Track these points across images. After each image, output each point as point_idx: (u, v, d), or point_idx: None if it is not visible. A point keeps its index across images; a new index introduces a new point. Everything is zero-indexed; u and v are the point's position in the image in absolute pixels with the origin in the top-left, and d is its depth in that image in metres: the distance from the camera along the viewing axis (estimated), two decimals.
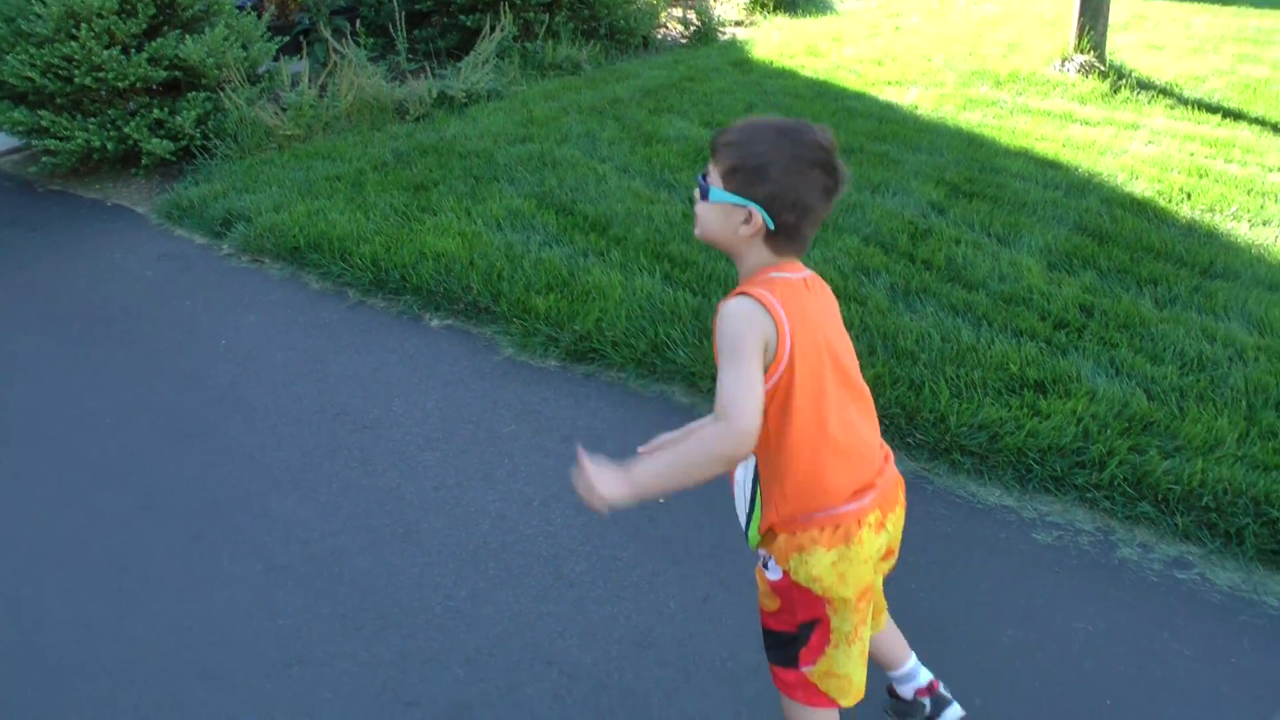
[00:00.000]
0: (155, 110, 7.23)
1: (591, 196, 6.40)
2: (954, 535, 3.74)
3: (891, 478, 2.45)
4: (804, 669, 2.44)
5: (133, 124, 7.09)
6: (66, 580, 3.61)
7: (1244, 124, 8.30)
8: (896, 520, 2.44)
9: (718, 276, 5.27)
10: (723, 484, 3.89)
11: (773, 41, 11.51)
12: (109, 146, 7.10)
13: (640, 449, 2.44)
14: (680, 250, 5.61)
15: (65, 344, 5.19)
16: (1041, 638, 3.28)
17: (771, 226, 2.19)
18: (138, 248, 6.33)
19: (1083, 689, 3.10)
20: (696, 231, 2.33)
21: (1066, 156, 7.35)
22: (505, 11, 9.68)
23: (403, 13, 9.58)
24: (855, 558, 2.30)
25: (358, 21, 9.75)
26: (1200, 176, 6.94)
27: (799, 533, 2.30)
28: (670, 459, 2.16)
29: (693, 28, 12.09)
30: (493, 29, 9.45)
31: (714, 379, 4.43)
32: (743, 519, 2.45)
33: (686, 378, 4.63)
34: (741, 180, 2.19)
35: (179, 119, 7.23)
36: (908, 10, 13.81)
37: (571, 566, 3.60)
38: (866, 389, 2.41)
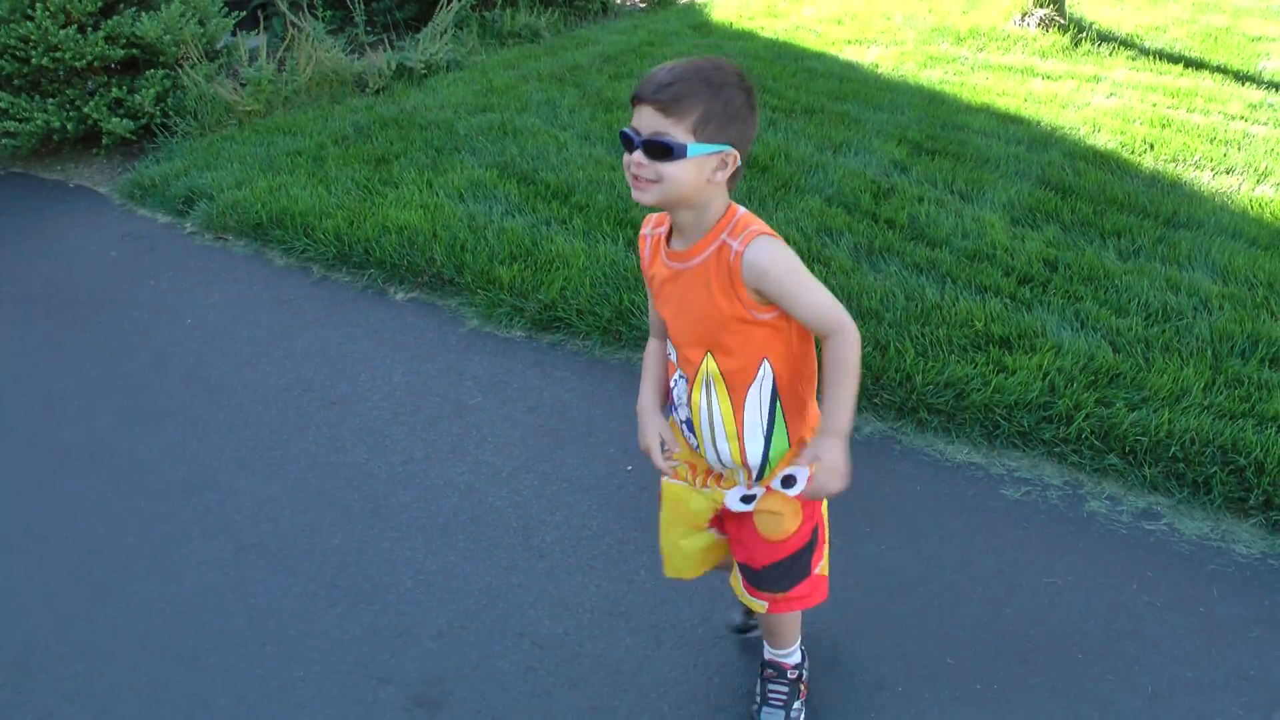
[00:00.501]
0: (114, 89, 7.14)
1: (553, 165, 6.37)
2: (923, 493, 3.76)
3: None
4: (816, 570, 2.63)
5: (92, 103, 7.01)
6: (37, 563, 3.59)
7: (1205, 73, 8.31)
8: None
9: None
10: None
11: (731, 4, 11.43)
12: (69, 127, 7.02)
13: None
14: (642, 216, 5.57)
15: (30, 325, 5.15)
16: (1011, 594, 3.30)
17: (740, 163, 2.23)
18: (101, 228, 6.27)
19: (1052, 643, 3.13)
20: (650, 198, 2.20)
21: (1028, 111, 7.36)
22: None
23: None
24: None
25: None
26: (1163, 127, 6.96)
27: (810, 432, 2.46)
28: (846, 391, 2.23)
29: None
30: None
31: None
32: (759, 452, 2.45)
33: None
34: (715, 127, 2.15)
35: (138, 97, 7.15)
36: None
37: (541, 537, 3.60)
38: None
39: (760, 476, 2.49)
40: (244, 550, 3.61)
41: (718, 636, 3.16)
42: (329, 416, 4.32)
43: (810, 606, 2.69)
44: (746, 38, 9.78)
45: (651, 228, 2.48)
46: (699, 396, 2.44)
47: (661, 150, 2.14)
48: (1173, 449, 3.78)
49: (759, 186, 5.95)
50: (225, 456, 4.11)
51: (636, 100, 2.18)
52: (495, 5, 10.10)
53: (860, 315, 4.55)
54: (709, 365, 2.39)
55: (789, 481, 2.47)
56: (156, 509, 3.84)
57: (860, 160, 6.39)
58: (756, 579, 2.63)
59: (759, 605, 2.68)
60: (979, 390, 4.08)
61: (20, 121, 7.01)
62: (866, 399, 4.20)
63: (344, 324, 5.02)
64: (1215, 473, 3.70)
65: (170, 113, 7.37)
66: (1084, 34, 9.27)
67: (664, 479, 2.64)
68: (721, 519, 2.66)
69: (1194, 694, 2.97)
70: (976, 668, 3.05)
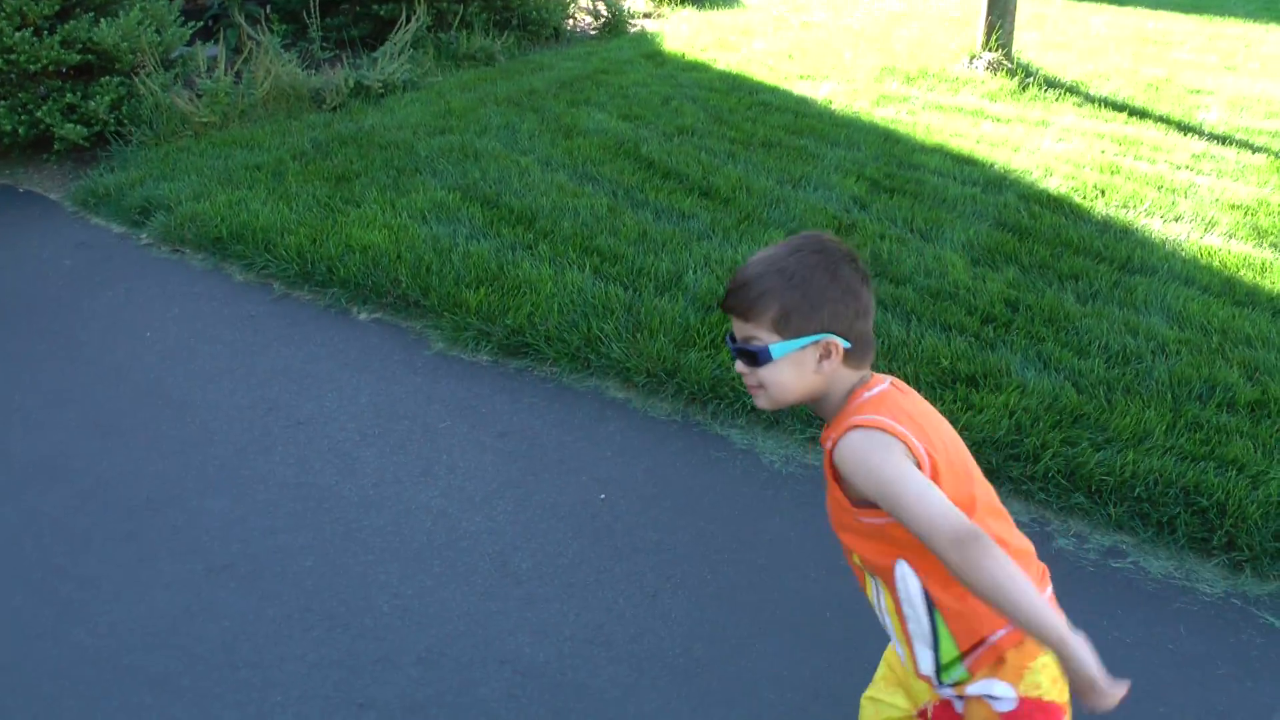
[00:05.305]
0: (68, 94, 7.04)
1: (516, 189, 6.37)
2: None
3: None
4: None
5: (45, 108, 6.90)
6: None
7: (1149, 122, 8.50)
8: None
9: (648, 271, 5.27)
10: (665, 478, 3.94)
11: (682, 34, 11.52)
12: (20, 131, 6.91)
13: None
14: (608, 244, 5.60)
15: None
16: None
17: (848, 345, 1.99)
18: (54, 236, 6.16)
19: None
20: (764, 404, 2.05)
21: (981, 153, 7.48)
22: (419, 1, 9.57)
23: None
24: None
25: (268, 7, 9.57)
26: (1112, 174, 7.10)
27: (1023, 638, 1.99)
28: (1011, 606, 1.74)
29: (602, 19, 12.04)
30: (407, 19, 9.34)
31: (649, 374, 4.45)
32: (929, 660, 2.11)
33: (620, 373, 4.63)
34: (800, 320, 1.96)
35: (92, 104, 7.05)
36: (812, 5, 13.93)
37: (518, 563, 3.59)
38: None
39: (942, 683, 2.12)
40: (214, 572, 3.55)
41: (700, 667, 3.17)
42: (296, 436, 4.27)
43: None
44: (700, 69, 9.85)
45: None
46: (870, 591, 2.19)
47: (750, 357, 2.01)
48: (1137, 489, 3.86)
49: (722, 219, 6.00)
50: (191, 475, 4.05)
51: (722, 308, 2.07)
52: (451, 27, 10.09)
53: None
54: (855, 558, 2.15)
55: (991, 693, 2.05)
56: (122, 527, 3.77)
57: (820, 195, 6.45)
58: None
59: None
60: None
61: None
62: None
63: (307, 343, 4.97)
64: (1179, 513, 3.78)
65: (125, 121, 7.28)
66: (1031, 79, 9.45)
67: None
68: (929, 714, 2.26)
69: None
70: None
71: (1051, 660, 1.91)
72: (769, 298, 1.96)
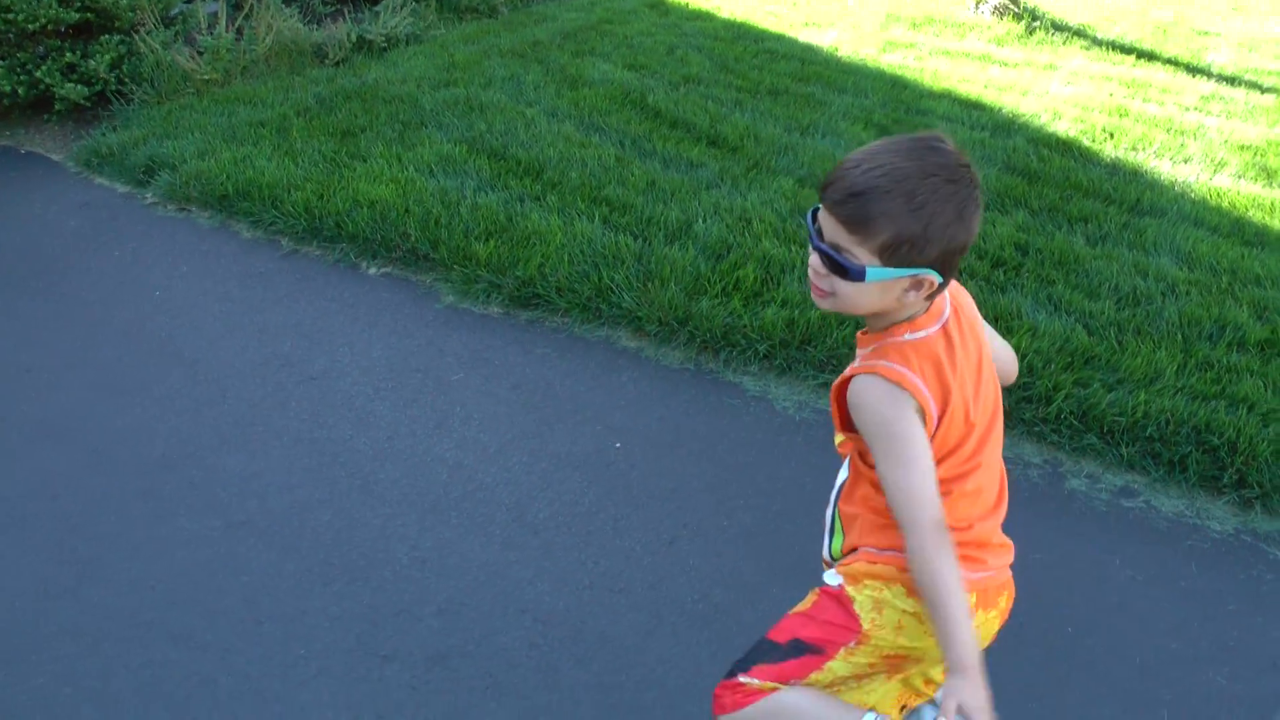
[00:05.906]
0: (67, 54, 6.97)
1: (522, 141, 6.34)
2: None
3: (1002, 577, 2.15)
4: (747, 678, 2.11)
5: (44, 68, 6.84)
6: (14, 543, 3.51)
7: (1158, 65, 8.46)
8: (986, 628, 2.14)
9: (657, 220, 5.26)
10: (679, 426, 3.95)
11: None
12: (20, 91, 6.84)
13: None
14: (617, 194, 5.59)
15: None
16: None
17: (940, 280, 1.87)
18: (58, 197, 6.13)
19: (1043, 618, 3.19)
20: (825, 306, 1.95)
21: (989, 97, 7.44)
22: None
23: None
24: (925, 625, 2.04)
25: None
26: (1121, 116, 7.07)
27: (880, 563, 2.07)
28: (939, 615, 1.84)
29: None
30: None
31: (661, 323, 4.44)
32: (825, 548, 2.27)
33: (632, 322, 4.63)
34: (909, 251, 1.80)
35: (92, 63, 6.99)
36: None
37: (535, 513, 3.60)
38: (999, 458, 2.11)
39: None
40: (233, 527, 3.57)
41: (718, 612, 3.19)
42: (309, 392, 4.28)
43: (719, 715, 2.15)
44: (704, 17, 9.79)
45: None
46: None
47: (837, 268, 1.86)
48: (1149, 429, 3.87)
49: (731, 167, 5.98)
50: (205, 432, 4.06)
51: (822, 198, 1.88)
52: None
53: None
54: (837, 440, 2.18)
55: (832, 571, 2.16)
56: (137, 485, 3.78)
57: (829, 142, 6.43)
58: None
59: None
60: None
61: None
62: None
63: (318, 298, 4.96)
64: (1190, 452, 3.81)
65: (126, 80, 7.22)
66: (1038, 23, 9.39)
67: None
68: None
69: (1180, 665, 3.06)
70: None
71: (892, 598, 2.04)
72: (887, 222, 1.78)
